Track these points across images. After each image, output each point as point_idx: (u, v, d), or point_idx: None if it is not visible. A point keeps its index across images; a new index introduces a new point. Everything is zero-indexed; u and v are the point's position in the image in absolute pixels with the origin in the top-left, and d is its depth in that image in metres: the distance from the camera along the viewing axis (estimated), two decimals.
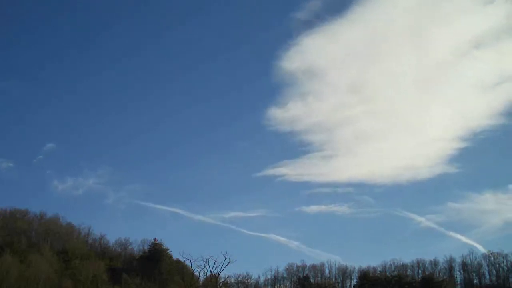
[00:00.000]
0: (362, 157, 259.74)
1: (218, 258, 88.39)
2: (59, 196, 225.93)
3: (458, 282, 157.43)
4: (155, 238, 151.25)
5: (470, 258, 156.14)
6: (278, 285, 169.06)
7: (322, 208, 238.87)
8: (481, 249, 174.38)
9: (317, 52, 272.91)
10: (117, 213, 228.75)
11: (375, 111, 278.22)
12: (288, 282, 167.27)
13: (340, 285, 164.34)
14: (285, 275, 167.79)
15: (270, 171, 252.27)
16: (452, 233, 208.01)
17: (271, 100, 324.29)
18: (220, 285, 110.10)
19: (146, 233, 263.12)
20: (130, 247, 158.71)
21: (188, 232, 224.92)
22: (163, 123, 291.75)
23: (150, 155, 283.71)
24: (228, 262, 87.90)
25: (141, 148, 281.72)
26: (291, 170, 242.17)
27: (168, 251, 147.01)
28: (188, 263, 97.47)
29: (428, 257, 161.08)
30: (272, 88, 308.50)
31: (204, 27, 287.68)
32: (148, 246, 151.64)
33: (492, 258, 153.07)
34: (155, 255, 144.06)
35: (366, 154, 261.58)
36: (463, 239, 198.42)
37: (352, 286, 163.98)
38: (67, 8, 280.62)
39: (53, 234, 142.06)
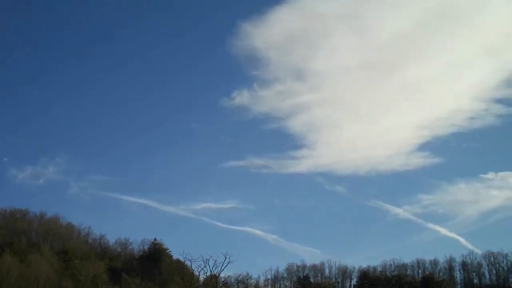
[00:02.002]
0: (319, 148, 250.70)
1: (218, 258, 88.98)
2: (20, 186, 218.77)
3: (458, 282, 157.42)
4: (155, 238, 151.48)
5: (470, 258, 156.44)
6: (278, 285, 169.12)
7: (290, 200, 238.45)
8: (463, 241, 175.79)
9: (258, 38, 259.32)
10: (81, 203, 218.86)
11: (325, 99, 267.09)
12: (288, 282, 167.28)
13: (340, 285, 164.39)
14: (285, 275, 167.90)
15: (232, 163, 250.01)
16: (430, 225, 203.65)
17: (217, 88, 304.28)
18: (220, 285, 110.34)
19: (116, 225, 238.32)
20: (130, 247, 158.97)
21: (160, 224, 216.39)
22: (123, 111, 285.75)
23: (109, 144, 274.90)
24: (228, 262, 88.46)
25: (97, 136, 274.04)
26: (252, 162, 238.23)
27: (168, 251, 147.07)
28: (188, 263, 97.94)
29: (427, 256, 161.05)
30: (217, 75, 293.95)
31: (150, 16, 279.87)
32: (148, 246, 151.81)
33: (492, 258, 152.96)
34: (155, 255, 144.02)
35: (321, 144, 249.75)
36: (443, 231, 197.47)
37: (352, 286, 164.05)
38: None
39: (53, 234, 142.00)
